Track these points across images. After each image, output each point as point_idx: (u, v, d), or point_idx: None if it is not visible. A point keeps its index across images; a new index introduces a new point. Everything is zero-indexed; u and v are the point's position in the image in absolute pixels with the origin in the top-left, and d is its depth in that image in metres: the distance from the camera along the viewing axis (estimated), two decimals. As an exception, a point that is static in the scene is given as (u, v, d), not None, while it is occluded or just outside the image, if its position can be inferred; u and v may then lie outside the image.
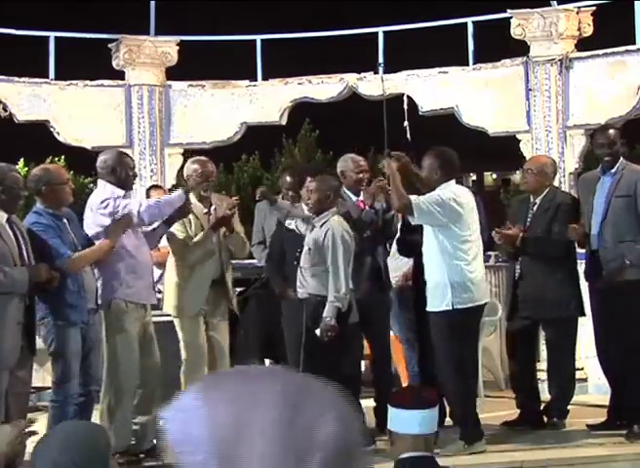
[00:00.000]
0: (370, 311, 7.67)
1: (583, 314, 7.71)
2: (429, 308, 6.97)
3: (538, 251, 7.44)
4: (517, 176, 48.81)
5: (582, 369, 9.07)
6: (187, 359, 7.39)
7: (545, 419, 7.57)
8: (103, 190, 7.02)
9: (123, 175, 6.99)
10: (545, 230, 7.48)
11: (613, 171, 7.32)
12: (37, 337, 6.65)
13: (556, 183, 9.43)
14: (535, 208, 7.58)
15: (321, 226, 7.09)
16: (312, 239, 7.11)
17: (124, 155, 7.32)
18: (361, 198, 7.80)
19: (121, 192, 6.98)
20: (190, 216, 7.35)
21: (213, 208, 7.47)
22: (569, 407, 7.71)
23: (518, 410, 7.65)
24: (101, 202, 6.92)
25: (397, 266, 7.96)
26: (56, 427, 3.36)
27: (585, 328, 8.01)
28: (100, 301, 6.84)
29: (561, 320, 7.56)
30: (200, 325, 7.40)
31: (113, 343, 6.91)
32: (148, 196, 8.41)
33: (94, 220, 6.90)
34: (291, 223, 7.38)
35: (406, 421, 3.95)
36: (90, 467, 2.93)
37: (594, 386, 8.74)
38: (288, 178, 8.21)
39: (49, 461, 2.92)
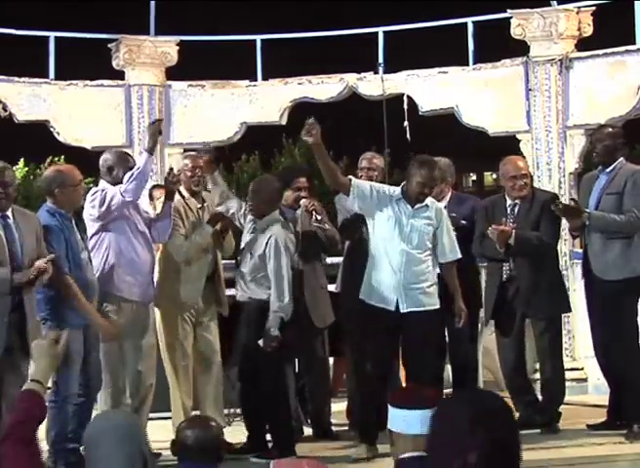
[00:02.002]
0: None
1: (570, 309, 7.94)
2: (430, 307, 6.96)
3: (530, 249, 7.41)
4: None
5: (582, 369, 9.07)
6: (170, 358, 7.36)
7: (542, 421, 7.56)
8: (98, 187, 7.11)
9: (120, 175, 7.01)
10: (533, 229, 7.47)
11: (609, 169, 7.34)
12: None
13: (556, 183, 9.47)
14: (516, 209, 7.56)
15: (263, 231, 7.05)
16: (253, 243, 7.07)
17: (124, 156, 7.30)
18: None
19: (114, 189, 7.01)
20: (186, 211, 7.37)
21: (206, 204, 7.48)
22: (569, 406, 7.71)
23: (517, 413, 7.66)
24: (92, 194, 7.01)
25: None
26: (98, 420, 3.46)
27: (585, 327, 8.01)
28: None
29: (553, 318, 7.59)
30: (188, 322, 7.37)
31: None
32: (151, 196, 8.42)
33: (87, 214, 6.96)
34: (230, 207, 7.37)
35: (406, 421, 3.94)
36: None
37: (594, 386, 8.74)
38: None
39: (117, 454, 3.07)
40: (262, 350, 6.84)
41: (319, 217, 7.35)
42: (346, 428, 7.75)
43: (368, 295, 7.05)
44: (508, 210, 7.56)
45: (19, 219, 6.38)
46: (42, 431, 6.62)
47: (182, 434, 4.00)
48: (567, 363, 8.31)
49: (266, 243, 6.98)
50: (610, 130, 7.54)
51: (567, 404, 7.78)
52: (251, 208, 7.15)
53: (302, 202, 7.38)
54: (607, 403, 7.53)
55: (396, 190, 7.06)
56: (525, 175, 7.57)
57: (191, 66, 10.85)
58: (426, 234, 6.99)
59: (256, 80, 10.54)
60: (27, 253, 6.27)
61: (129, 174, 6.89)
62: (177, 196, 7.34)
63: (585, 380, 8.98)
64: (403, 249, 6.94)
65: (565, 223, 7.83)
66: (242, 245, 7.19)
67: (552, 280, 7.57)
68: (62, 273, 6.42)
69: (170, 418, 7.39)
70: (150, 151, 7.05)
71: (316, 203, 7.43)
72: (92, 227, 6.97)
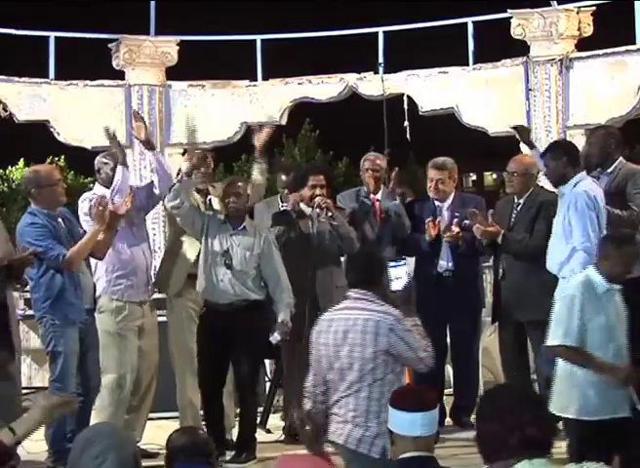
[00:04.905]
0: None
1: None
2: None
3: (517, 249, 7.39)
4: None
5: (582, 369, 9.05)
6: (179, 357, 7.37)
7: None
8: (90, 192, 7.18)
9: (110, 174, 7.11)
10: (527, 230, 7.46)
11: (609, 170, 7.31)
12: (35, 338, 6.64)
13: (556, 183, 9.46)
14: (519, 208, 7.55)
15: (253, 231, 7.07)
16: (247, 243, 7.03)
17: (109, 156, 7.34)
18: (378, 197, 7.89)
19: (107, 191, 7.02)
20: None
21: (208, 198, 7.50)
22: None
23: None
24: (81, 201, 7.11)
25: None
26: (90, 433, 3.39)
27: (585, 328, 7.98)
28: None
29: (544, 322, 7.45)
30: (195, 322, 7.35)
31: (104, 342, 6.91)
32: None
33: (80, 217, 7.02)
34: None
35: (408, 423, 3.94)
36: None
37: (594, 386, 8.72)
38: (283, 177, 8.19)
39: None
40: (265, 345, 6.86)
41: (330, 214, 7.36)
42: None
43: (590, 411, 5.50)
44: (515, 207, 7.57)
45: None
46: (41, 430, 6.64)
47: (172, 441, 4.00)
48: (567, 363, 8.29)
49: (263, 242, 7.02)
50: (602, 131, 7.51)
51: (567, 404, 7.76)
52: (236, 209, 7.09)
53: (316, 199, 7.41)
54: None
55: (595, 280, 5.72)
56: (514, 173, 7.58)
57: (191, 66, 10.85)
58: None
59: (256, 80, 10.54)
60: None
61: (111, 188, 6.96)
62: None
63: (585, 380, 8.96)
64: (624, 334, 5.77)
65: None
66: (224, 246, 7.04)
67: (546, 283, 7.46)
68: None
69: (170, 418, 7.40)
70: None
71: (329, 200, 7.46)
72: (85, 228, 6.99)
